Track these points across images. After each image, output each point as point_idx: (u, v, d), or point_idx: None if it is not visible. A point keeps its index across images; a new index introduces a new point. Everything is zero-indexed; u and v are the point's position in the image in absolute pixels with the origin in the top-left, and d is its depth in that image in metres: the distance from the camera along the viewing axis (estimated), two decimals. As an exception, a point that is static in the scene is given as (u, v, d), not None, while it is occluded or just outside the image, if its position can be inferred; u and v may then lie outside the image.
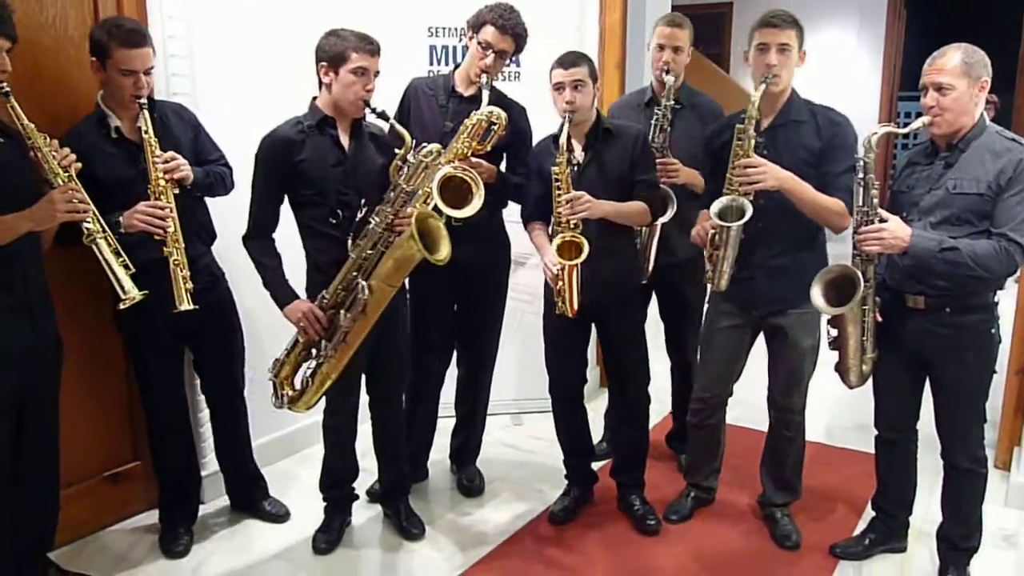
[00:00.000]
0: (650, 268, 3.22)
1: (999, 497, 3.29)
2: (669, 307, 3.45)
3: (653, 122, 3.15)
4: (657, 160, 3.10)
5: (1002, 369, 2.73)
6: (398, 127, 2.67)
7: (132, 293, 2.39)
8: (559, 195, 2.77)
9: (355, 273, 2.63)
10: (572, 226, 2.77)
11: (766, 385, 2.99)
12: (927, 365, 2.64)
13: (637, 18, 4.37)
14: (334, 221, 2.69)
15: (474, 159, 2.88)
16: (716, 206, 2.70)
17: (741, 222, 2.66)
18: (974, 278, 2.43)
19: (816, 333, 2.89)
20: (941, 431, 2.67)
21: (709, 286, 2.85)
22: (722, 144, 2.82)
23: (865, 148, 2.49)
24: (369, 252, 2.62)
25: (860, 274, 2.49)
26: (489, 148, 2.89)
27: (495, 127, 2.85)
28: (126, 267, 2.40)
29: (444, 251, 2.59)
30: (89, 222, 2.35)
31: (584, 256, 2.72)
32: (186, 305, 2.57)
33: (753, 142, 2.66)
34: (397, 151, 2.67)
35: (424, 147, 2.61)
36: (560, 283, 2.78)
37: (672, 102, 3.15)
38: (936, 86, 2.43)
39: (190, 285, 2.59)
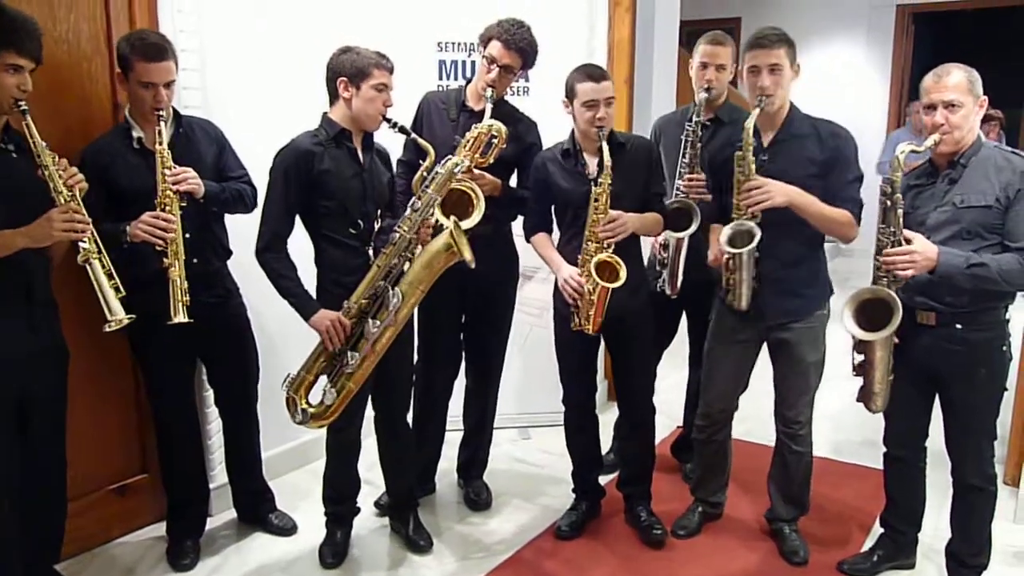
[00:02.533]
0: (679, 283, 3.21)
1: (1008, 514, 3.27)
2: (699, 323, 3.41)
3: (683, 138, 3.16)
4: (686, 176, 3.12)
5: (1011, 385, 2.72)
6: (420, 141, 2.74)
7: (119, 316, 2.37)
8: (596, 215, 2.78)
9: (382, 281, 2.65)
10: (606, 245, 2.78)
11: (773, 399, 2.99)
12: (938, 382, 2.63)
13: (646, 34, 4.39)
14: (354, 232, 2.71)
15: (477, 171, 2.90)
16: (725, 234, 2.72)
17: (751, 246, 2.67)
18: (999, 293, 2.43)
19: (821, 347, 2.89)
20: (951, 449, 2.66)
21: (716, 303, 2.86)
22: (723, 161, 2.85)
23: (893, 167, 2.47)
24: (396, 260, 2.65)
25: (896, 298, 2.45)
26: (491, 161, 2.90)
27: (495, 140, 2.86)
28: (116, 289, 2.38)
29: (470, 253, 2.62)
30: (85, 242, 2.34)
31: (621, 281, 2.73)
32: (181, 318, 2.57)
33: (753, 167, 2.67)
34: (421, 162, 2.72)
35: (450, 159, 2.67)
36: (587, 302, 2.78)
37: (701, 118, 3.13)
38: (946, 104, 2.44)
39: (187, 299, 2.59)
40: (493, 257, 3.13)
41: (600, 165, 2.82)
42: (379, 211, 2.75)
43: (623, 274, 2.74)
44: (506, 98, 3.13)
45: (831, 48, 8.59)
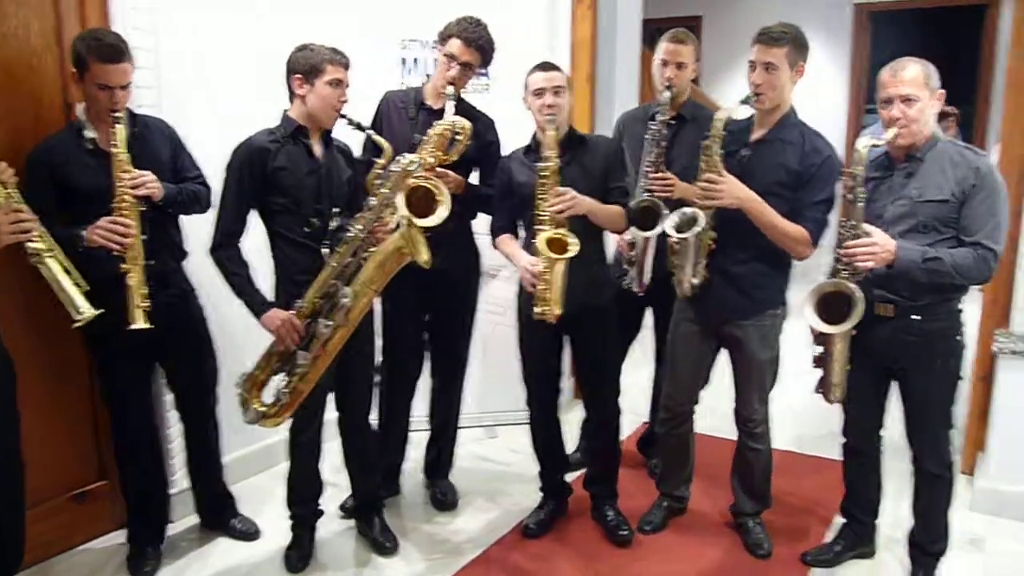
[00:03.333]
0: (646, 281, 3.24)
1: (965, 501, 3.35)
2: (664, 319, 3.40)
3: (647, 137, 3.18)
4: (651, 175, 3.14)
5: (966, 375, 2.78)
6: (376, 137, 2.75)
7: (85, 312, 2.34)
8: (543, 191, 2.78)
9: (335, 280, 2.64)
10: (556, 224, 2.78)
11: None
12: (896, 373, 2.68)
13: (608, 31, 4.41)
14: (308, 230, 2.70)
15: (440, 169, 2.90)
16: (671, 221, 2.75)
17: (694, 231, 2.70)
18: (953, 286, 2.49)
19: (776, 344, 2.92)
20: (911, 437, 2.71)
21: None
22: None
23: (855, 161, 2.49)
24: (349, 259, 2.64)
25: (858, 291, 2.49)
26: (455, 158, 2.91)
27: (459, 137, 2.87)
28: (78, 285, 2.36)
29: (426, 253, 2.61)
30: (35, 241, 2.30)
31: (572, 252, 2.72)
32: (139, 324, 2.55)
33: (717, 159, 2.69)
34: (376, 160, 2.71)
35: (405, 156, 2.67)
36: (543, 283, 2.75)
37: (666, 117, 3.16)
38: (903, 98, 2.48)
39: (147, 304, 2.56)
40: (456, 255, 3.16)
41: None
42: (337, 209, 2.75)
43: (573, 246, 2.72)
44: (465, 96, 3.13)
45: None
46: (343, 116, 2.70)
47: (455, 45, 2.98)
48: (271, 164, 2.67)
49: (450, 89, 2.97)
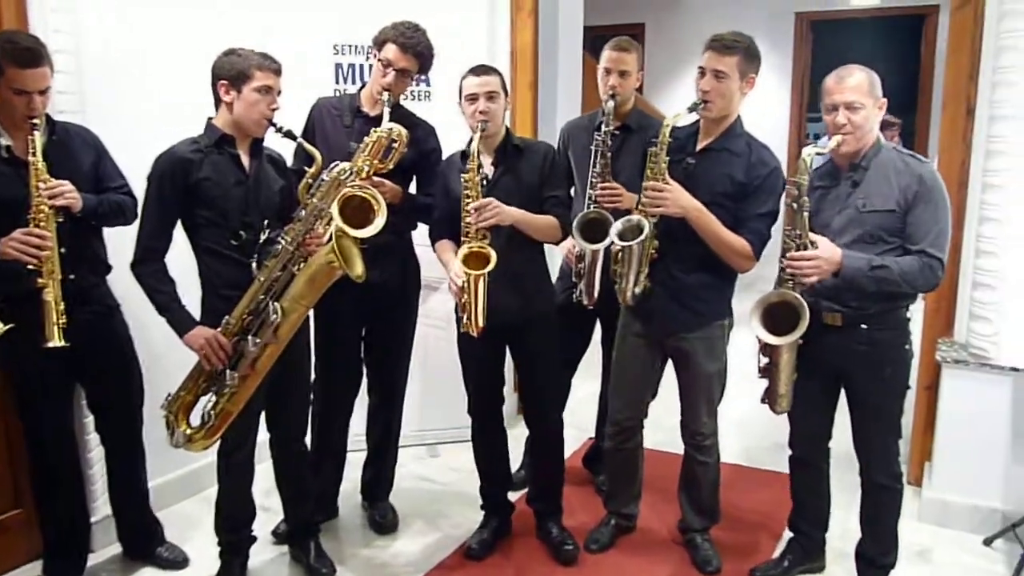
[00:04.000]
0: (595, 293, 3.22)
1: (912, 512, 3.39)
2: (612, 332, 3.37)
3: (593, 148, 3.17)
4: (599, 186, 3.14)
5: (912, 384, 2.83)
6: (307, 146, 2.70)
7: None
8: (468, 203, 2.76)
9: (263, 296, 2.59)
10: (480, 236, 2.76)
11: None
12: (844, 382, 2.71)
13: (549, 39, 4.42)
14: (235, 243, 2.64)
15: (376, 178, 2.86)
16: (615, 229, 2.75)
17: (640, 239, 2.69)
18: (900, 295, 2.52)
19: (723, 357, 2.93)
20: (859, 448, 2.73)
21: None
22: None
23: (800, 170, 2.51)
24: (279, 273, 2.59)
25: (804, 302, 2.49)
26: (391, 166, 2.87)
27: (395, 145, 2.84)
28: None
29: (360, 267, 2.57)
30: None
31: (491, 266, 2.71)
32: (56, 342, 2.47)
33: (664, 167, 2.70)
34: (307, 169, 2.67)
35: (337, 165, 2.63)
36: (465, 297, 2.75)
37: (611, 127, 3.15)
38: (848, 104, 2.51)
39: (64, 321, 2.49)
40: (394, 267, 3.13)
41: (494, 164, 2.85)
42: (267, 221, 2.69)
43: (492, 260, 2.71)
44: (403, 103, 3.12)
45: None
46: (272, 124, 2.65)
47: (391, 51, 2.95)
48: (194, 175, 2.60)
49: (386, 96, 2.94)
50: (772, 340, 2.55)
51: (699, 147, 2.81)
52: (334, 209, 2.56)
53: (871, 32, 9.43)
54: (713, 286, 2.86)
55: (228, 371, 2.59)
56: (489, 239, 2.77)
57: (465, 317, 2.78)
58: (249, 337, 2.57)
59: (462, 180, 2.78)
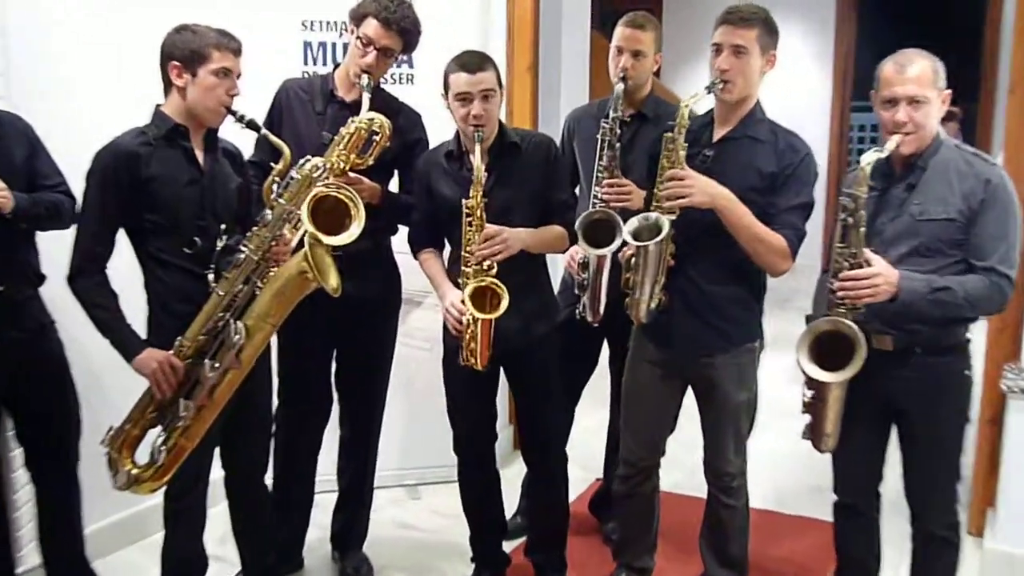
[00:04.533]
0: (601, 308, 3.21)
1: (973, 569, 3.36)
2: (622, 354, 3.36)
3: (599, 137, 3.18)
4: (605, 182, 3.15)
5: (973, 418, 2.81)
6: (273, 138, 2.70)
7: None
8: (471, 231, 2.78)
9: (223, 313, 2.58)
10: (486, 267, 2.78)
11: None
12: (895, 415, 2.69)
13: (552, 12, 4.44)
14: (189, 251, 2.64)
15: (353, 175, 2.87)
16: (629, 226, 2.73)
17: (658, 239, 2.67)
18: (964, 319, 2.52)
19: (753, 384, 2.92)
20: (912, 493, 2.72)
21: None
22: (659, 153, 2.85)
23: (857, 181, 2.47)
24: (241, 287, 2.59)
25: (859, 332, 2.47)
26: (371, 162, 2.88)
27: (377, 137, 2.84)
28: None
29: (334, 279, 2.57)
30: None
31: (503, 309, 2.73)
32: None
33: (682, 154, 2.70)
34: (273, 165, 2.66)
35: (308, 161, 2.64)
36: (469, 335, 2.78)
37: (620, 113, 3.15)
38: (909, 99, 2.48)
39: None
40: (372, 278, 3.13)
41: (488, 168, 2.84)
42: (224, 226, 2.68)
43: (504, 302, 2.74)
44: (384, 86, 3.12)
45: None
46: (232, 112, 2.65)
47: (371, 27, 2.95)
48: (142, 172, 2.59)
49: (365, 79, 2.94)
50: (823, 376, 2.52)
51: (716, 137, 2.81)
52: (304, 212, 2.56)
53: (926, 5, 9.44)
54: (741, 300, 2.85)
55: (182, 401, 2.58)
56: (496, 270, 2.78)
57: (467, 352, 2.81)
58: (207, 361, 2.56)
59: (464, 204, 2.79)
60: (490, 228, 2.78)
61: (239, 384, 2.63)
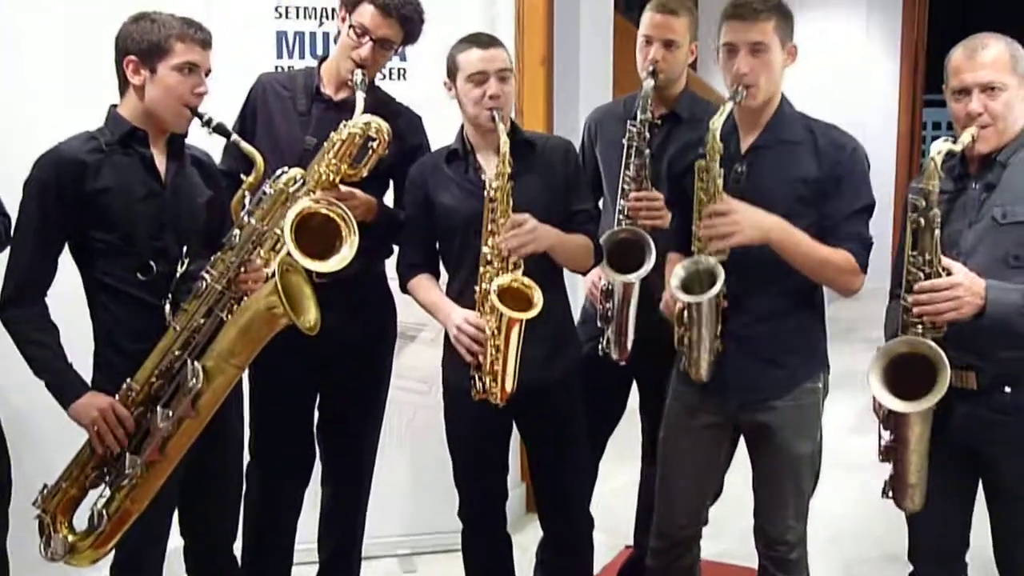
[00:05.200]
0: (629, 344, 3.23)
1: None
2: (654, 399, 3.33)
3: (625, 142, 3.19)
4: (632, 195, 3.17)
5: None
6: (244, 146, 2.69)
7: None
8: (495, 219, 2.78)
9: (179, 352, 2.58)
10: (512, 265, 2.78)
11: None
12: (981, 467, 2.68)
13: (568, -4, 4.48)
14: (144, 277, 2.64)
15: (345, 189, 2.88)
16: (676, 278, 2.72)
17: (712, 293, 2.67)
18: None
19: (817, 432, 2.90)
20: (1003, 560, 2.71)
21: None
22: (685, 168, 2.87)
23: (928, 173, 2.47)
24: (202, 320, 2.59)
25: (942, 353, 2.46)
26: (365, 173, 2.90)
27: (374, 144, 2.86)
28: None
29: (312, 313, 2.58)
30: None
31: (536, 310, 2.72)
32: None
33: (719, 183, 2.68)
34: (244, 177, 2.67)
35: (284, 172, 2.63)
36: (493, 350, 2.76)
37: (649, 115, 3.17)
38: (983, 86, 2.51)
39: None
40: (362, 309, 3.13)
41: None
42: (186, 248, 2.69)
43: (538, 299, 2.73)
44: (375, 83, 3.13)
45: (823, 20, 8.91)
46: (197, 115, 2.65)
47: (367, 14, 2.96)
48: (90, 183, 2.59)
49: (359, 75, 2.95)
50: (901, 407, 2.51)
51: (744, 147, 2.83)
52: (286, 231, 2.58)
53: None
54: (805, 329, 2.86)
55: (128, 456, 2.57)
56: (523, 268, 2.78)
57: (487, 379, 2.79)
58: (159, 408, 2.56)
59: (486, 194, 2.80)
60: (517, 216, 2.77)
61: (197, 436, 2.61)
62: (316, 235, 2.68)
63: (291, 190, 2.64)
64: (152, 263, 2.64)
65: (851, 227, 2.73)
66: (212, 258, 2.62)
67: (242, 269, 2.61)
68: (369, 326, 3.20)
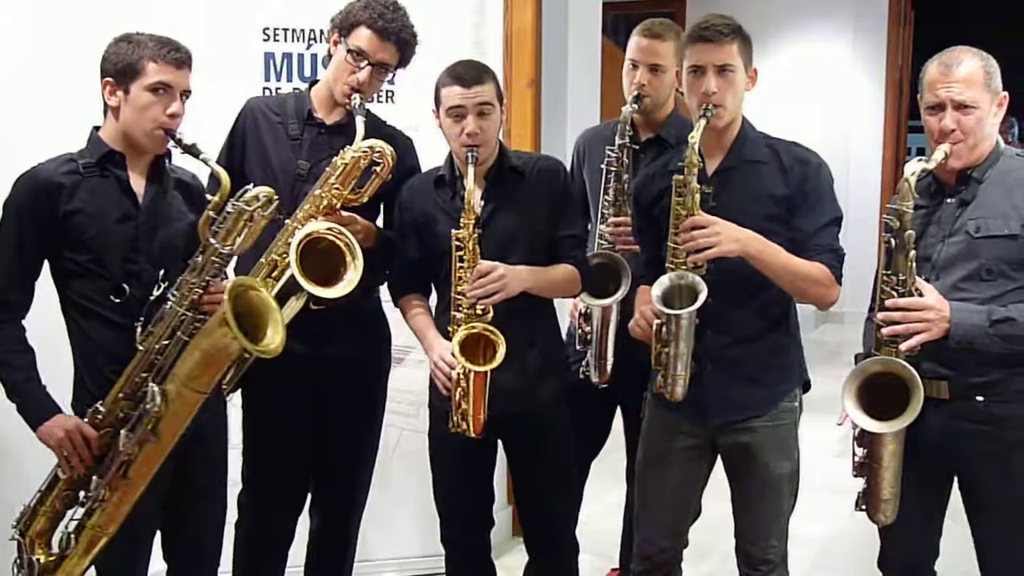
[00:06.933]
0: (609, 367, 3.23)
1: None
2: (636, 420, 3.31)
3: (604, 168, 3.20)
4: (611, 220, 3.17)
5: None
6: (213, 164, 2.65)
7: None
8: (462, 268, 2.78)
9: (145, 374, 2.56)
10: (479, 312, 2.78)
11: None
12: (956, 477, 2.69)
13: (556, 20, 4.47)
14: (117, 300, 2.63)
15: (346, 214, 2.87)
16: (658, 288, 2.72)
17: (694, 307, 2.66)
18: None
19: (795, 452, 2.90)
20: (986, 568, 2.71)
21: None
22: (657, 194, 2.87)
23: (903, 193, 2.50)
24: (166, 343, 2.56)
25: (915, 373, 2.47)
26: (366, 199, 2.89)
27: (377, 168, 2.85)
28: None
29: (274, 338, 2.53)
30: None
31: (498, 361, 2.73)
32: None
33: (697, 198, 2.68)
34: (210, 198, 2.64)
35: (248, 191, 2.59)
36: (460, 392, 2.78)
37: (626, 140, 3.18)
38: (957, 104, 2.52)
39: None
40: (358, 336, 3.11)
41: (484, 197, 2.87)
42: (163, 271, 2.66)
43: (500, 352, 2.73)
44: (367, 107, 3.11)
45: (808, 45, 8.96)
46: (171, 136, 2.63)
47: (364, 38, 2.95)
48: (64, 205, 2.59)
49: (357, 99, 2.94)
50: (875, 427, 2.52)
51: (711, 171, 2.82)
52: (292, 256, 2.56)
53: (994, 7, 9.49)
54: (781, 347, 2.87)
55: (95, 478, 2.57)
56: (492, 314, 2.78)
57: (457, 416, 2.80)
58: (122, 432, 2.54)
59: (453, 236, 2.79)
60: (484, 264, 2.77)
61: (161, 461, 2.58)
62: (319, 261, 2.67)
63: (251, 208, 2.58)
64: (125, 286, 2.63)
65: (822, 240, 2.75)
66: (178, 280, 2.60)
67: (202, 291, 2.58)
68: (365, 353, 3.18)
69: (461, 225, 2.78)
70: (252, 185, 2.64)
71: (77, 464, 2.57)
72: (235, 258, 2.70)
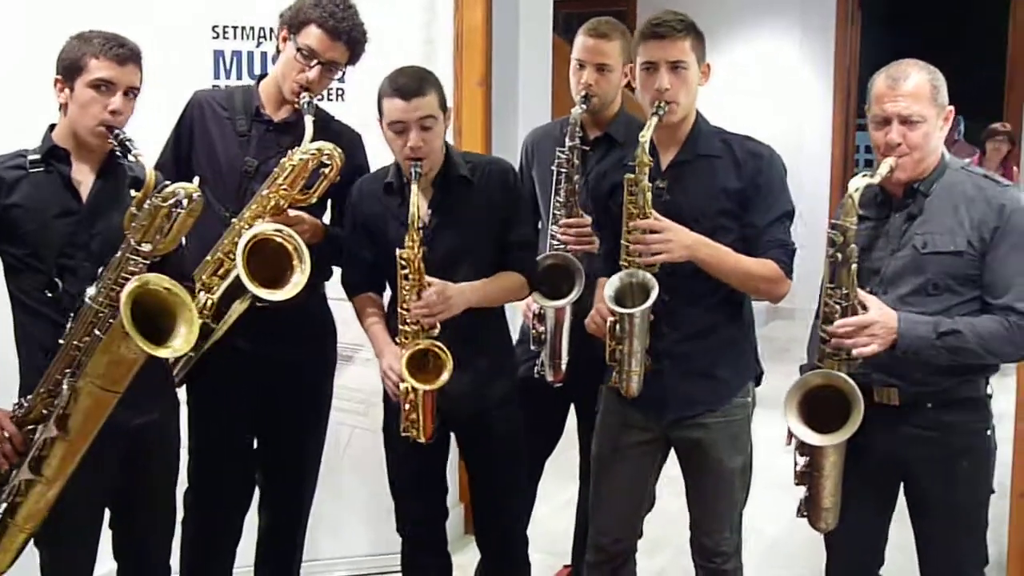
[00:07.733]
0: (563, 366, 3.24)
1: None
2: (590, 418, 3.31)
3: (555, 168, 3.20)
4: (563, 221, 3.17)
5: (1002, 491, 2.83)
6: (142, 160, 2.60)
7: None
8: (408, 287, 2.77)
9: (67, 370, 2.53)
10: (426, 327, 2.78)
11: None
12: (902, 482, 2.72)
13: (507, 18, 4.48)
14: (51, 294, 2.62)
15: (293, 213, 2.85)
16: (610, 288, 2.73)
17: (646, 306, 2.68)
18: (980, 367, 2.55)
19: (748, 446, 2.94)
20: (924, 572, 2.74)
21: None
22: (611, 188, 2.89)
23: (846, 209, 2.50)
24: (85, 340, 2.53)
25: (855, 387, 2.49)
26: (314, 200, 2.88)
27: (325, 169, 2.84)
28: None
29: (179, 340, 2.49)
30: None
31: (446, 377, 2.73)
32: None
33: (648, 196, 2.70)
34: (135, 193, 2.59)
35: (166, 186, 2.53)
36: (409, 405, 2.78)
37: (576, 142, 3.18)
38: (903, 118, 2.54)
39: None
40: (302, 334, 3.10)
41: (431, 205, 2.88)
42: (102, 268, 2.60)
43: (448, 369, 2.73)
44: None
45: (757, 43, 9.03)
46: (110, 130, 2.60)
47: (314, 36, 2.93)
48: (3, 199, 2.59)
49: (306, 97, 2.93)
50: (814, 439, 2.54)
51: (664, 164, 2.84)
52: (239, 257, 2.54)
53: (940, 9, 9.57)
54: (734, 341, 2.89)
55: (16, 469, 2.55)
56: (439, 328, 2.78)
57: (407, 423, 2.80)
58: (40, 427, 2.53)
59: (398, 255, 2.78)
60: (431, 285, 2.77)
61: (76, 459, 2.55)
62: (266, 262, 2.65)
63: (167, 205, 2.51)
64: (58, 280, 2.62)
65: (773, 235, 2.77)
66: (99, 274, 2.57)
67: (116, 288, 2.52)
68: (310, 351, 3.17)
69: (407, 244, 2.76)
70: (172, 181, 2.58)
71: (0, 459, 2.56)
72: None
